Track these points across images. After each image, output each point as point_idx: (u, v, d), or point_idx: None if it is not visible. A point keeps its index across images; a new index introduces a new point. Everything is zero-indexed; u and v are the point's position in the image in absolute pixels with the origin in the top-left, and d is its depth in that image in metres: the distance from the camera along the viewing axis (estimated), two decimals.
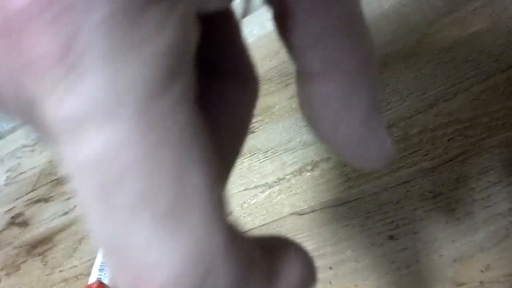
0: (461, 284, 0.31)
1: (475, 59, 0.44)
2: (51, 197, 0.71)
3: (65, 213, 0.67)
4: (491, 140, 0.38)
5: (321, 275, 0.37)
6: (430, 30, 0.49)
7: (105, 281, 0.45)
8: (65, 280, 0.56)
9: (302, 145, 0.49)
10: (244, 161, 0.51)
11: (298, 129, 0.51)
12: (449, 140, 0.41)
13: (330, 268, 0.37)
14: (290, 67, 0.58)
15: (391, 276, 0.34)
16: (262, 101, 0.57)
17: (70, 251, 0.60)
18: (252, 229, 0.45)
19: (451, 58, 0.46)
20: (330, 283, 0.36)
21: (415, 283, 0.32)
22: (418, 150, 0.41)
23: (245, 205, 0.47)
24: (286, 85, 0.56)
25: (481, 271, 0.31)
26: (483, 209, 0.34)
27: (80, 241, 0.60)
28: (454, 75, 0.45)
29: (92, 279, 0.46)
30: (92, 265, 0.56)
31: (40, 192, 0.71)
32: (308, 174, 0.45)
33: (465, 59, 0.45)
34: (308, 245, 0.39)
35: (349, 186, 0.41)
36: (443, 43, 0.48)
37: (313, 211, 0.41)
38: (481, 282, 0.30)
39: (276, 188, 0.46)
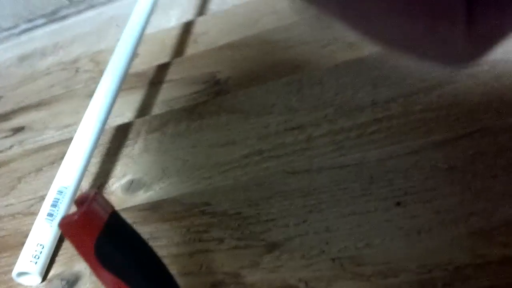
0: (481, 256, 0.29)
1: None
2: None
3: (0, 151, 0.60)
4: (503, 122, 0.36)
5: (316, 236, 0.34)
6: None
7: (58, 217, 0.40)
8: None
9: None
10: None
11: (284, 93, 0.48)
12: (454, 120, 0.39)
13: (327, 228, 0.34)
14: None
15: (398, 241, 0.31)
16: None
17: (7, 189, 0.53)
18: None
19: None
20: (327, 243, 0.33)
21: (427, 250, 0.30)
22: (420, 127, 0.39)
23: None
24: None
25: (503, 244, 0.29)
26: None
27: (19, 179, 0.54)
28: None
29: (41, 216, 0.41)
30: (32, 205, 0.50)
31: None
32: None
33: None
34: (304, 202, 0.36)
35: (342, 154, 0.39)
36: None
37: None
38: (503, 256, 0.28)
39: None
